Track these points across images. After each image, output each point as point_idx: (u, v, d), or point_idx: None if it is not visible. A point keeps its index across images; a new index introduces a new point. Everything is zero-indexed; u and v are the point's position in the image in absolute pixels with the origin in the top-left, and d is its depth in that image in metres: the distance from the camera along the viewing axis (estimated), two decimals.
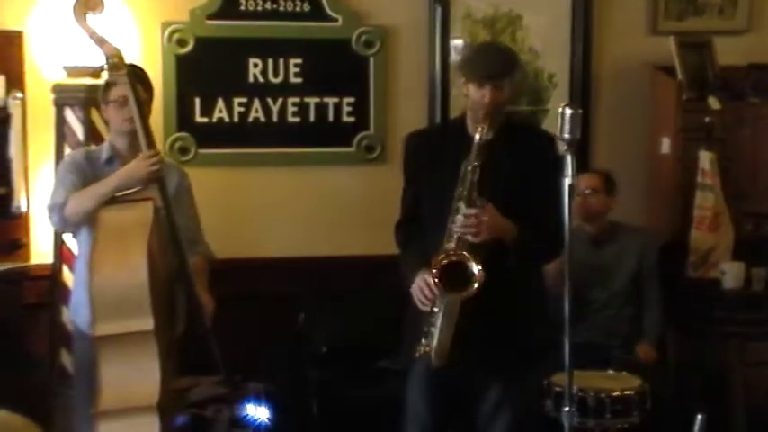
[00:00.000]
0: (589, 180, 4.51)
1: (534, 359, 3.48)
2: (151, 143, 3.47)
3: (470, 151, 3.24)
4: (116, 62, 3.45)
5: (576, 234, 4.41)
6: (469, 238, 3.20)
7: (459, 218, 3.21)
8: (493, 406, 3.42)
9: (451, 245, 3.23)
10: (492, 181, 3.24)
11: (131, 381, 3.26)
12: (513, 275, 3.30)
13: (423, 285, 3.26)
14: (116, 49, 3.46)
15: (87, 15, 3.45)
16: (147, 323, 3.25)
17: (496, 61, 3.38)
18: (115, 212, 3.39)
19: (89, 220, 3.46)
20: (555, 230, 3.00)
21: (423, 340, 3.29)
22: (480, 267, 3.16)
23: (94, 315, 3.27)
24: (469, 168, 3.23)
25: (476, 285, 3.16)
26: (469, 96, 3.36)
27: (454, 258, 3.20)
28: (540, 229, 3.23)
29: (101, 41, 3.46)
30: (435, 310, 3.25)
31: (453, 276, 3.19)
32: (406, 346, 3.42)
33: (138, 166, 3.44)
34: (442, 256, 3.21)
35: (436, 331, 3.25)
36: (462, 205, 3.22)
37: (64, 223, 3.52)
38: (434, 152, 3.44)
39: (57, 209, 3.49)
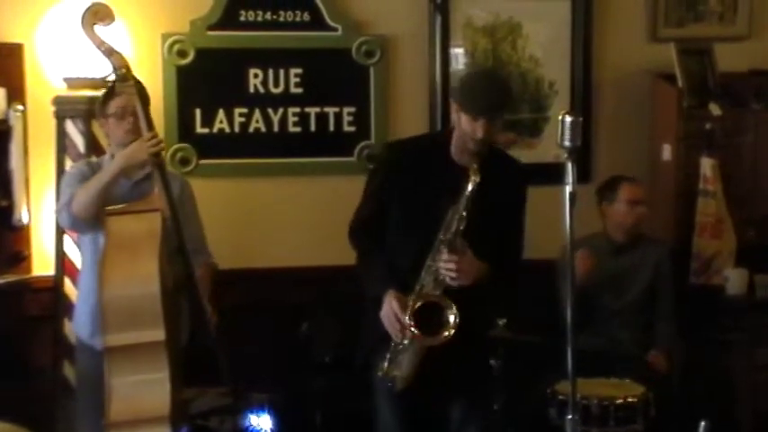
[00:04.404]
0: (644, 191, 4.47)
1: (492, 378, 3.66)
2: (151, 126, 3.48)
3: (453, 175, 3.29)
4: (124, 73, 3.46)
5: (596, 241, 4.40)
6: (448, 281, 3.26)
7: (441, 263, 3.26)
8: (459, 422, 3.47)
9: (429, 282, 3.29)
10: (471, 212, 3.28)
11: (142, 392, 3.26)
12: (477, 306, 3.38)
13: (394, 320, 3.29)
14: (124, 59, 3.47)
15: (96, 26, 3.45)
16: (159, 334, 3.26)
17: (494, 98, 3.29)
18: (124, 223, 3.40)
19: (97, 216, 3.46)
20: (516, 268, 3.49)
21: (387, 364, 3.35)
22: (456, 316, 3.24)
23: (105, 326, 3.27)
24: (457, 217, 3.26)
25: (448, 333, 3.23)
26: (460, 124, 3.33)
27: (433, 300, 3.28)
28: (506, 265, 3.43)
29: (110, 52, 3.45)
30: (405, 342, 3.30)
31: (428, 316, 3.26)
32: (366, 348, 3.49)
33: (139, 148, 3.45)
34: (419, 297, 3.27)
35: (404, 361, 3.32)
36: (444, 250, 3.26)
37: (73, 220, 3.52)
38: (415, 169, 3.42)
39: (65, 207, 3.51)
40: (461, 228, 3.25)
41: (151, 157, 3.45)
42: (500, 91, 3.36)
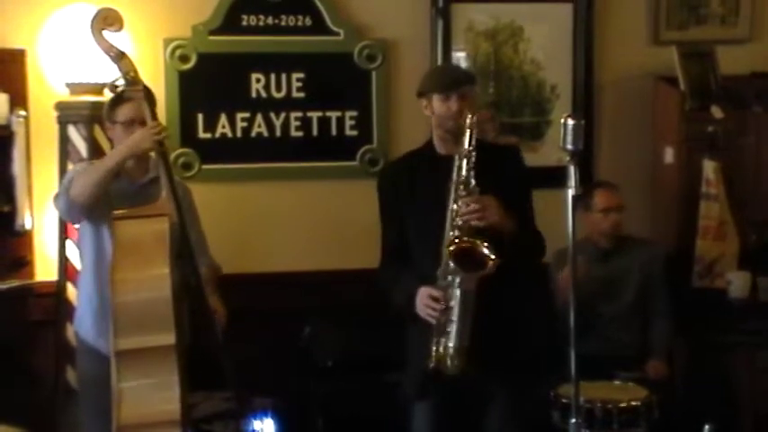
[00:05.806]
0: (617, 198, 4.47)
1: (539, 367, 3.50)
2: (155, 117, 3.49)
3: (447, 168, 3.27)
4: (133, 77, 3.46)
5: (583, 247, 4.39)
6: (475, 222, 3.20)
7: (462, 205, 3.22)
8: (498, 423, 3.41)
9: (456, 233, 3.22)
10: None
11: (153, 396, 3.27)
12: (518, 276, 3.32)
13: (427, 298, 3.24)
14: (132, 63, 3.47)
15: (104, 31, 3.44)
16: (169, 338, 3.27)
17: (456, 71, 3.59)
18: (133, 228, 3.40)
19: (93, 205, 3.45)
20: (540, 236, 3.42)
21: (435, 348, 3.25)
22: (490, 247, 3.15)
23: (116, 330, 3.26)
24: (464, 153, 3.24)
25: (494, 258, 3.14)
26: (435, 113, 3.39)
27: (465, 245, 3.19)
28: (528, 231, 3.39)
29: (119, 57, 3.45)
30: (451, 304, 3.21)
31: (465, 262, 3.17)
32: (412, 374, 3.43)
33: (144, 136, 3.44)
34: (450, 242, 3.20)
35: (453, 328, 3.21)
36: (462, 194, 3.23)
37: (69, 205, 3.48)
38: (410, 180, 3.45)
39: (63, 192, 3.50)
40: (472, 165, 3.24)
41: (155, 144, 3.45)
42: (460, 69, 3.83)
